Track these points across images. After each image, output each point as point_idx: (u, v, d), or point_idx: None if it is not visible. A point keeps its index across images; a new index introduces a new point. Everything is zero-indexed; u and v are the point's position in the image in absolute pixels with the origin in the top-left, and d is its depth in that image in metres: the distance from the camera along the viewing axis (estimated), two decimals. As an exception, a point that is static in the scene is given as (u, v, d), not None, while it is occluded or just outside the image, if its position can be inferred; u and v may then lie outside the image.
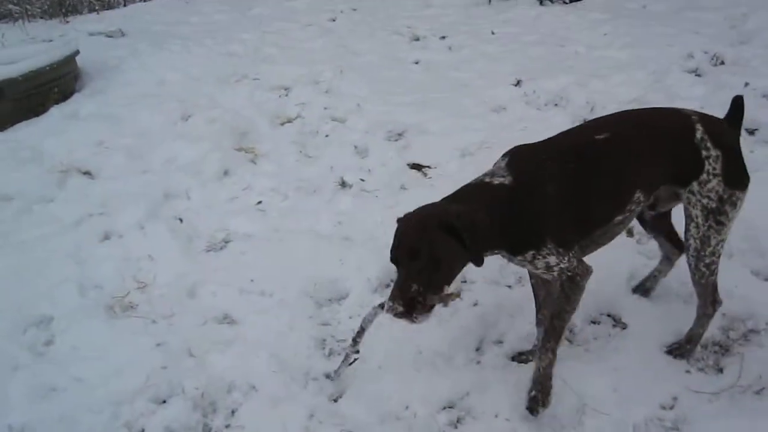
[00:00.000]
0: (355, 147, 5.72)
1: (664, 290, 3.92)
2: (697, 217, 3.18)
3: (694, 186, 3.15)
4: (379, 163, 5.44)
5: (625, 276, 4.05)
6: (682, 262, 3.80)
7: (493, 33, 8.90)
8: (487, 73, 7.27)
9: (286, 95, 7.01)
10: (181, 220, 4.85)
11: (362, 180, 5.20)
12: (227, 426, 3.35)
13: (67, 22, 11.20)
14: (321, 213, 4.84)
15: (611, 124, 3.23)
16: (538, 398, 3.19)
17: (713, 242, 3.20)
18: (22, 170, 5.54)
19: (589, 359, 3.48)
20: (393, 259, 2.87)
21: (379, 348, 3.65)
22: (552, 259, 2.98)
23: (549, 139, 3.23)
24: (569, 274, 3.02)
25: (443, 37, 8.86)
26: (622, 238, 4.10)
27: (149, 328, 3.93)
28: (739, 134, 3.28)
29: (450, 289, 2.91)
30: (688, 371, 3.47)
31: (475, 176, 3.13)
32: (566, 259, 3.00)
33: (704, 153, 3.11)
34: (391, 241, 2.82)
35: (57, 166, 5.58)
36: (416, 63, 8.01)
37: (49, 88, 7.07)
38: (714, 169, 3.11)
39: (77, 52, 7.56)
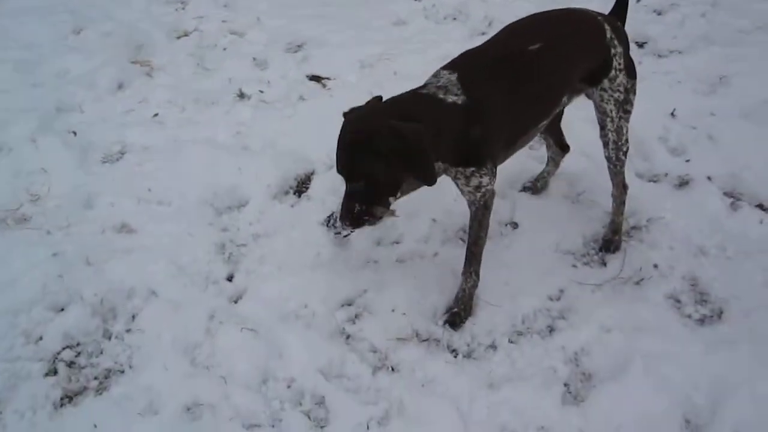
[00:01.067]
0: (254, 59, 5.66)
1: (550, 192, 4.10)
2: (611, 112, 3.41)
3: (605, 83, 3.34)
4: (278, 75, 5.41)
5: (521, 180, 4.20)
6: (564, 165, 4.01)
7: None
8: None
9: (183, 9, 6.80)
10: (74, 133, 4.73)
11: (261, 92, 5.17)
12: (128, 330, 3.38)
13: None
14: (219, 124, 4.80)
15: (538, 33, 3.19)
16: (461, 314, 3.36)
17: (624, 130, 3.50)
18: None
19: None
20: (339, 171, 2.89)
21: (278, 249, 3.72)
22: (485, 180, 3.08)
23: (486, 50, 3.16)
24: (486, 197, 3.15)
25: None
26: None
27: (44, 239, 3.87)
28: (625, 31, 3.44)
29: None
30: (574, 266, 3.69)
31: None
32: (493, 180, 3.12)
33: (612, 51, 3.29)
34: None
35: (-58, 77, 5.31)
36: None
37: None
38: (619, 64, 3.32)
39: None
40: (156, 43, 6.05)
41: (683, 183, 4.14)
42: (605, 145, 3.52)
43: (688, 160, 4.28)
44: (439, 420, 2.91)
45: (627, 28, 4.23)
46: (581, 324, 3.32)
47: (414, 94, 2.97)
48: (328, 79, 5.31)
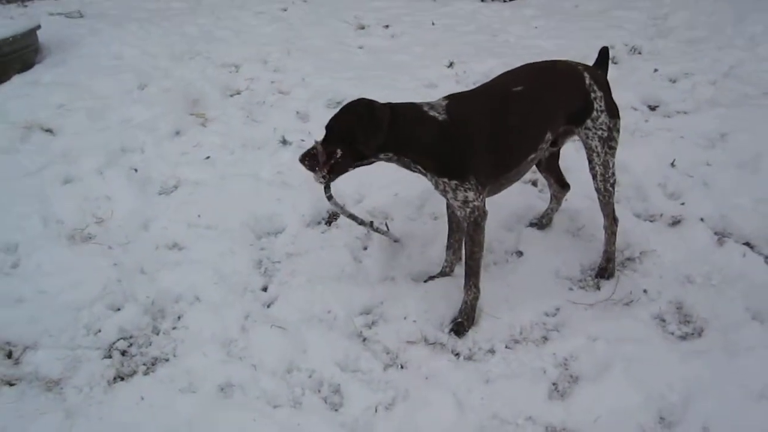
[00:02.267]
0: (297, 112, 6.29)
1: (554, 227, 4.55)
2: (597, 147, 3.90)
3: (589, 123, 3.85)
4: (318, 126, 5.96)
5: (528, 217, 4.66)
6: (567, 204, 4.47)
7: (433, 24, 9.54)
8: (423, 56, 7.89)
9: (236, 71, 7.53)
10: (136, 170, 5.34)
11: (302, 140, 5.75)
12: (174, 327, 3.89)
13: (25, 6, 11.53)
14: (263, 164, 5.38)
15: (523, 78, 3.77)
16: (464, 324, 3.80)
17: (611, 164, 3.96)
18: (-14, 129, 5.97)
19: (487, 277, 4.06)
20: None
21: (307, 265, 4.22)
22: (470, 195, 3.56)
23: (476, 89, 3.82)
24: (476, 214, 3.61)
25: (387, 26, 9.46)
26: (526, 187, 4.76)
27: (106, 252, 4.44)
28: (607, 77, 3.96)
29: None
30: (570, 288, 4.11)
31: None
32: (480, 198, 3.60)
33: (593, 95, 3.81)
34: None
35: (20, 123, 6.01)
36: (360, 48, 8.59)
37: (11, 58, 7.47)
38: (600, 107, 3.83)
39: (38, 27, 7.98)
40: (210, 99, 6.73)
41: (676, 222, 4.57)
42: (594, 177, 4.00)
43: (683, 203, 4.71)
44: (439, 406, 3.31)
45: (642, 92, 4.84)
46: (572, 335, 3.72)
47: (408, 102, 3.56)
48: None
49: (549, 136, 3.80)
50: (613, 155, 3.96)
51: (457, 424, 3.24)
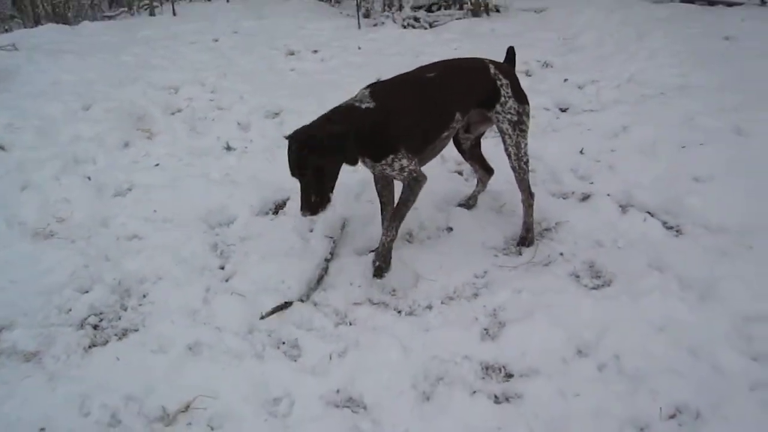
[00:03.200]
0: (239, 123, 6.74)
1: (479, 207, 5.10)
2: (508, 130, 4.46)
3: (498, 107, 4.42)
4: (259, 134, 6.47)
5: (456, 199, 5.18)
6: (490, 187, 5.01)
7: (359, 48, 10.12)
8: (352, 76, 8.39)
9: (176, 93, 7.89)
10: (89, 178, 5.66)
11: (245, 147, 6.18)
12: (140, 304, 4.25)
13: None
14: (211, 167, 5.80)
15: (436, 67, 4.41)
16: (382, 266, 4.28)
17: (523, 145, 4.52)
18: (-65, 147, 6.21)
19: (422, 249, 4.58)
20: (292, 174, 3.85)
21: (260, 247, 4.65)
22: (404, 162, 4.06)
23: (396, 77, 4.36)
24: (414, 175, 4.13)
25: (315, 51, 9.99)
26: (453, 176, 5.29)
27: (70, 245, 4.77)
28: (515, 71, 4.56)
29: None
30: (496, 255, 4.63)
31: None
32: (413, 163, 4.11)
33: (498, 83, 4.38)
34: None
35: (-31, 142, 6.28)
36: (292, 70, 9.08)
37: (-48, 86, 7.71)
38: (508, 93, 4.41)
39: (-23, 57, 8.24)
40: (154, 116, 7.07)
41: (586, 197, 5.17)
42: (508, 156, 4.56)
43: (591, 183, 5.32)
44: (386, 351, 3.76)
45: (553, 97, 5.54)
46: (499, 290, 4.23)
47: (339, 106, 4.02)
48: (301, 137, 6.33)
49: (458, 116, 4.35)
50: (524, 137, 4.53)
51: (403, 364, 3.69)
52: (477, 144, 4.92)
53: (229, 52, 10.14)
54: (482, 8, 11.96)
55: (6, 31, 13.65)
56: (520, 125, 4.49)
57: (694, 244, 4.53)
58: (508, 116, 4.44)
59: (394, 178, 4.26)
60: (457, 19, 11.82)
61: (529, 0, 12.29)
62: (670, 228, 4.76)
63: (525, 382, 3.56)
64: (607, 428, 3.27)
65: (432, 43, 10.24)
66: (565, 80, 7.71)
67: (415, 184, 4.18)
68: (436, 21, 11.72)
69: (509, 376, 3.65)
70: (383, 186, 4.50)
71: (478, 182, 5.12)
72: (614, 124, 6.16)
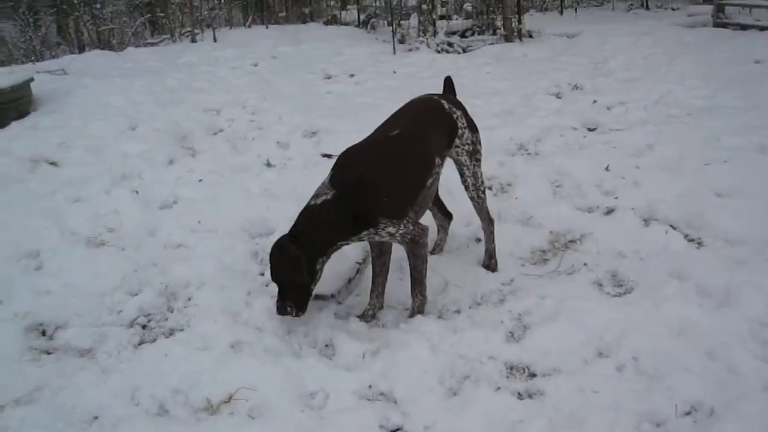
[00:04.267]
0: (278, 142, 7.07)
1: (507, 218, 5.32)
2: (467, 161, 4.53)
3: (457, 141, 4.46)
4: (297, 153, 6.78)
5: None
6: (519, 200, 5.23)
7: (394, 72, 10.45)
8: (387, 98, 8.69)
9: (217, 114, 8.27)
10: (137, 192, 6.00)
11: (284, 164, 6.49)
12: (186, 306, 4.53)
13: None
14: (252, 183, 6.11)
15: (396, 122, 4.32)
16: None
17: (479, 174, 4.61)
18: (-2, 163, 6.62)
19: (451, 258, 4.89)
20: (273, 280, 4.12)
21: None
22: (391, 229, 4.00)
23: (359, 144, 4.24)
24: (409, 237, 4.12)
25: (352, 75, 10.35)
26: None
27: (120, 252, 5.09)
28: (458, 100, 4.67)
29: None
30: (523, 265, 4.85)
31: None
32: (402, 226, 4.09)
33: (454, 116, 4.46)
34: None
35: (26, 158, 6.67)
36: (328, 93, 9.43)
37: (8, 107, 8.15)
38: (463, 124, 4.48)
39: (32, 79, 8.69)
40: (196, 135, 7.46)
41: (610, 211, 5.37)
42: (466, 188, 4.59)
43: (616, 198, 5.51)
44: (416, 349, 3.97)
45: (581, 118, 5.73)
46: (524, 297, 4.43)
47: (303, 209, 4.14)
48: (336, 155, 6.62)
49: (438, 160, 4.34)
50: (479, 166, 4.60)
51: (431, 363, 3.90)
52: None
53: (268, 76, 10.54)
54: (515, 34, 12.24)
55: (53, 57, 14.30)
56: (475, 155, 4.53)
57: (713, 255, 4.71)
58: (466, 147, 4.46)
59: (380, 248, 4.32)
60: (490, 44, 12.13)
61: (562, 26, 12.57)
62: (692, 240, 4.95)
63: (547, 381, 3.75)
64: (624, 423, 3.43)
65: (465, 67, 10.54)
66: (594, 102, 7.92)
67: (414, 246, 4.12)
68: (470, 46, 12.03)
69: (532, 375, 3.84)
70: (377, 255, 4.37)
71: (439, 230, 5.06)
72: (640, 143, 6.36)
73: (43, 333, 4.37)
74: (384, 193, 3.98)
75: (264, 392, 3.71)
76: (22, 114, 8.35)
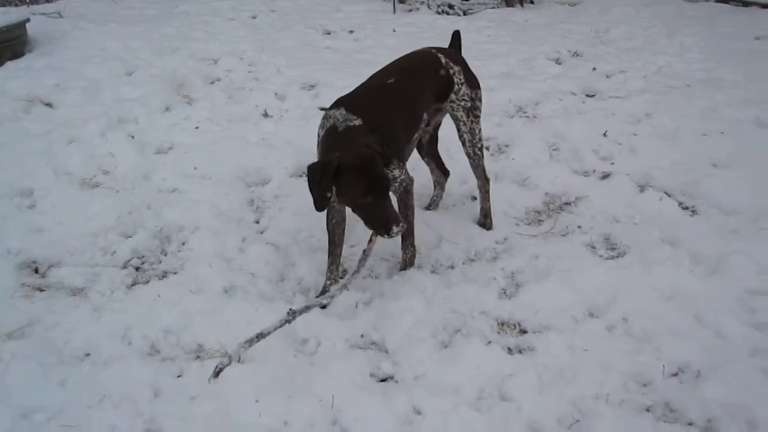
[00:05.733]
0: (276, 93, 7.02)
1: (503, 178, 5.32)
2: (462, 117, 4.44)
3: (452, 96, 4.38)
4: (294, 105, 6.74)
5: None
6: (515, 161, 5.23)
7: (394, 30, 10.35)
8: (386, 55, 8.59)
9: (215, 64, 8.19)
10: (132, 137, 5.96)
11: (281, 116, 6.46)
12: (179, 250, 4.53)
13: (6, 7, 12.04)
14: (249, 132, 6.08)
15: (392, 71, 4.24)
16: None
17: (477, 131, 4.53)
18: (-11, 101, 6.55)
19: (447, 214, 4.86)
20: (376, 191, 3.61)
21: (293, 204, 4.92)
22: (396, 172, 3.95)
23: (359, 89, 4.15)
24: (405, 184, 4.09)
25: (351, 32, 10.26)
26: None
27: (115, 194, 5.08)
28: (461, 55, 4.59)
29: None
30: (517, 224, 4.86)
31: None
32: (403, 171, 4.09)
33: (451, 71, 4.36)
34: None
35: (21, 98, 6.61)
36: (327, 48, 9.36)
37: (3, 47, 8.06)
38: (460, 80, 4.38)
39: (28, 20, 8.58)
40: (193, 84, 7.38)
41: (606, 176, 5.37)
42: (463, 144, 4.52)
43: (612, 163, 5.52)
44: (409, 300, 4.00)
45: (581, 84, 5.69)
46: (518, 255, 4.45)
47: (337, 132, 3.81)
48: (334, 109, 6.59)
49: (425, 116, 4.29)
50: (478, 122, 4.50)
51: (423, 315, 3.92)
52: (434, 140, 4.86)
53: (266, 28, 10.43)
54: (517, -1, 12.17)
55: (48, 1, 14.05)
56: (473, 111, 4.44)
57: (707, 224, 4.72)
58: (462, 103, 4.37)
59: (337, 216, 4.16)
60: (491, 8, 12.03)
61: (564, -7, 12.49)
62: (686, 208, 4.97)
63: (537, 337, 3.78)
64: (612, 382, 3.47)
65: (465, 29, 10.27)
66: (594, 69, 7.89)
67: (407, 195, 4.11)
68: (470, 9, 11.93)
69: (523, 331, 3.87)
70: (337, 222, 4.17)
71: (435, 185, 5.05)
72: (638, 111, 6.36)
73: (36, 270, 4.36)
74: (392, 132, 3.93)
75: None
76: (16, 54, 8.27)
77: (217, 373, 3.38)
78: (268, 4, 12.21)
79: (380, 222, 3.64)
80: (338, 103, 3.95)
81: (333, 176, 3.52)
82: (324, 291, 4.14)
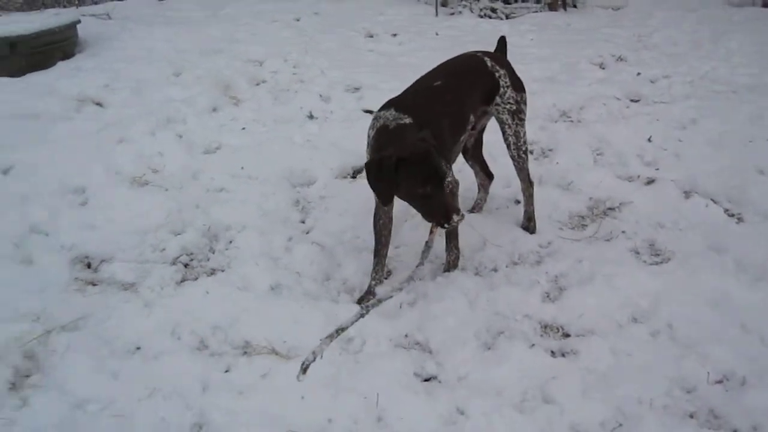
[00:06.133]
0: (320, 95, 7.10)
1: (547, 183, 5.34)
2: (507, 120, 4.47)
3: (498, 99, 4.41)
4: (339, 106, 6.82)
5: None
6: (559, 166, 5.24)
7: (437, 34, 10.40)
8: (429, 58, 8.63)
9: (260, 65, 8.30)
10: (180, 136, 6.07)
11: (326, 117, 6.54)
12: (227, 249, 4.61)
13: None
14: (294, 133, 6.17)
15: (439, 74, 4.28)
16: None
17: (522, 134, 4.55)
18: (43, 100, 6.69)
19: (490, 217, 4.90)
20: (435, 182, 3.62)
21: (338, 205, 4.99)
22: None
23: (408, 91, 4.20)
24: (450, 187, 4.08)
25: (394, 35, 10.33)
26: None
27: (164, 193, 5.19)
28: (507, 59, 4.61)
29: None
30: (561, 228, 4.87)
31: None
32: (451, 173, 4.13)
33: (497, 74, 4.39)
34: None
35: (73, 97, 6.77)
36: (370, 51, 9.44)
37: (55, 47, 8.26)
38: (506, 83, 4.41)
39: (78, 21, 8.79)
40: (239, 86, 7.50)
41: (651, 182, 5.36)
42: (508, 147, 4.55)
43: (657, 169, 5.51)
44: (453, 302, 4.03)
45: (625, 89, 5.75)
46: (562, 259, 4.46)
47: (389, 130, 3.83)
48: (378, 111, 6.65)
49: (472, 118, 4.29)
50: (522, 126, 4.52)
51: (467, 317, 3.96)
52: (479, 143, 4.88)
53: (310, 31, 10.55)
54: (559, 3, 12.14)
55: (95, 2, 14.34)
56: (518, 114, 4.46)
57: (753, 231, 4.70)
58: (507, 106, 4.40)
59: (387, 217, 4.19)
60: (533, 12, 12.03)
61: (607, -1, 12.44)
62: (732, 215, 4.94)
63: (581, 341, 3.80)
64: (656, 387, 3.47)
65: (508, 33, 10.28)
66: (638, 74, 7.87)
67: (453, 197, 4.11)
68: (513, 13, 11.96)
69: (566, 335, 3.89)
70: (384, 223, 4.22)
71: (479, 188, 5.06)
72: (683, 117, 6.34)
73: (89, 265, 4.48)
74: (442, 135, 3.93)
75: (302, 334, 3.79)
76: (67, 55, 8.47)
77: (304, 370, 3.40)
78: (311, 6, 12.34)
79: (440, 212, 3.66)
80: (388, 105, 4.00)
81: (393, 170, 3.55)
82: (369, 291, 4.18)
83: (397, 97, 4.13)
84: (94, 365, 3.61)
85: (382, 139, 3.85)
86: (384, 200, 3.75)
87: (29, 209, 4.90)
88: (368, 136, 4.02)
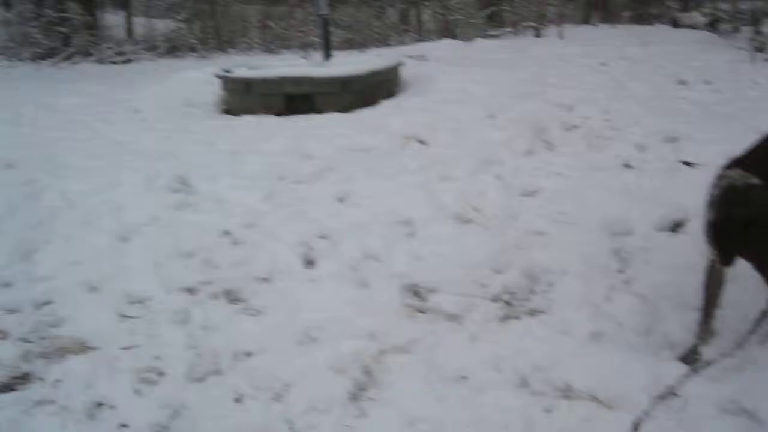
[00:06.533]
0: (635, 144, 7.07)
1: None
2: None
3: None
4: (656, 157, 6.75)
5: None
6: None
7: (755, 83, 9.88)
8: (748, 109, 8.29)
9: (570, 110, 8.42)
10: (498, 177, 6.36)
11: (643, 167, 6.53)
12: (546, 291, 4.79)
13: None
14: (610, 181, 6.19)
15: None
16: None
17: None
18: (375, 136, 7.35)
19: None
20: None
21: (660, 256, 5.00)
22: None
23: (752, 149, 4.05)
24: None
25: (708, 82, 9.97)
26: None
27: (485, 231, 5.47)
28: None
29: None
30: None
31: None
32: None
33: None
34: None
35: (399, 135, 7.35)
36: (683, 98, 9.20)
37: (380, 87, 9.03)
38: None
39: (402, 63, 9.51)
40: (551, 129, 7.68)
41: None
42: None
43: None
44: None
45: None
46: None
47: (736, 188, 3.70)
48: (698, 164, 6.46)
49: None
50: None
51: None
52: None
53: (617, 75, 10.50)
54: None
55: (401, 44, 15.44)
56: None
57: None
58: None
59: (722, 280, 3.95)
60: None
61: None
62: None
63: None
64: None
65: None
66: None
67: None
68: None
69: None
70: (717, 283, 4.03)
71: None
72: None
73: (417, 294, 4.85)
74: None
75: (624, 385, 3.83)
76: (390, 94, 9.20)
77: (635, 427, 3.48)
78: (618, 51, 12.27)
79: None
80: (734, 164, 3.93)
81: (742, 230, 3.49)
82: (694, 351, 4.11)
83: (742, 156, 4.02)
84: (425, 388, 3.93)
85: (729, 199, 3.78)
86: (725, 261, 3.69)
87: (364, 236, 5.41)
88: (710, 195, 3.97)
